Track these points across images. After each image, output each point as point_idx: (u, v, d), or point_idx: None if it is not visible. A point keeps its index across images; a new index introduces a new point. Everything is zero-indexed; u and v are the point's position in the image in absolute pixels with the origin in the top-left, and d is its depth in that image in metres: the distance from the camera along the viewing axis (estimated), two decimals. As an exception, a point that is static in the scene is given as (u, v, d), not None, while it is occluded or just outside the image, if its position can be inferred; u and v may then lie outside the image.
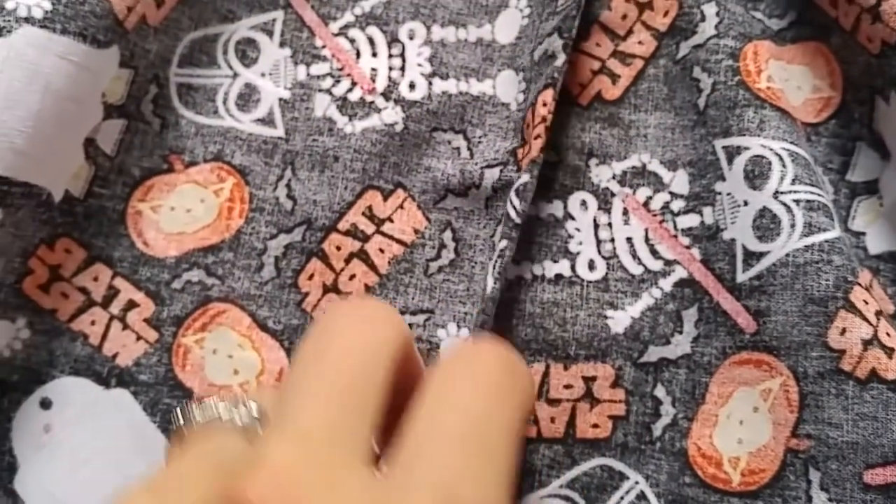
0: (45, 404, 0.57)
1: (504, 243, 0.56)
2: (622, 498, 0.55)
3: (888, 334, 0.53)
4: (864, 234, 0.59)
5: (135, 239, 0.60)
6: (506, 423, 0.40)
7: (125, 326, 0.59)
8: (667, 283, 0.57)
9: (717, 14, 0.59)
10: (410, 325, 0.58)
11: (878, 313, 0.53)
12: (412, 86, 0.61)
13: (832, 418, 0.52)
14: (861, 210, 0.59)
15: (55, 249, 0.59)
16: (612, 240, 0.58)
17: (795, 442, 0.52)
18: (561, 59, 0.57)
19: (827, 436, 0.52)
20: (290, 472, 0.37)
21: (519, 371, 0.43)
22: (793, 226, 0.54)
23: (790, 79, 0.60)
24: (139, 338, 0.58)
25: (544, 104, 0.57)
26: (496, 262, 0.56)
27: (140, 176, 0.60)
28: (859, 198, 0.59)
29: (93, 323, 0.59)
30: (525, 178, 0.56)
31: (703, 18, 0.60)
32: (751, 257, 0.55)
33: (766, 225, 0.55)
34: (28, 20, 0.54)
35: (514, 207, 0.56)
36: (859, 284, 0.53)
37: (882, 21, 0.56)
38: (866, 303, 0.53)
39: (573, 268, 0.58)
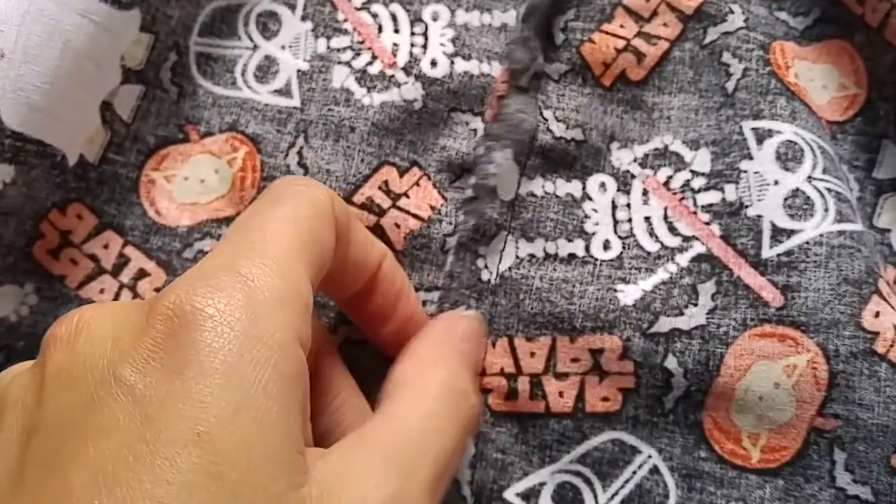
0: None
1: (461, 217, 0.55)
2: (634, 472, 0.53)
3: None
4: (889, 230, 0.57)
5: (147, 208, 0.57)
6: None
7: (135, 295, 0.56)
8: (683, 259, 0.54)
9: (744, 13, 0.58)
10: (424, 303, 0.55)
11: None
12: (433, 63, 0.58)
13: (863, 399, 0.50)
14: (887, 207, 0.57)
15: (67, 214, 0.56)
16: (630, 220, 0.56)
17: (822, 421, 0.50)
18: (514, 23, 0.58)
19: (857, 416, 0.50)
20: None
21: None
22: (826, 210, 0.52)
23: (815, 78, 0.58)
24: None
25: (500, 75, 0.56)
26: (454, 236, 0.55)
27: (155, 144, 0.58)
28: (885, 195, 0.58)
29: (102, 291, 0.56)
30: (479, 150, 0.56)
31: (731, 11, 0.58)
32: (780, 234, 0.53)
33: (800, 205, 0.53)
34: None
35: (470, 182, 0.56)
36: (883, 278, 0.52)
37: None
38: (890, 296, 0.52)
39: (587, 248, 0.56)
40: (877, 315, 0.51)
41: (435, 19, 0.59)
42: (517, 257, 0.55)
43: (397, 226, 0.56)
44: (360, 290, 0.48)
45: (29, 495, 0.35)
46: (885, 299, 0.51)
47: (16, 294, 0.55)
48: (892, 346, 0.50)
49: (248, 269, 0.38)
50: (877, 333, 0.50)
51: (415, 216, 0.56)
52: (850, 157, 0.58)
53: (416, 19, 0.59)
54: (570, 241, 0.56)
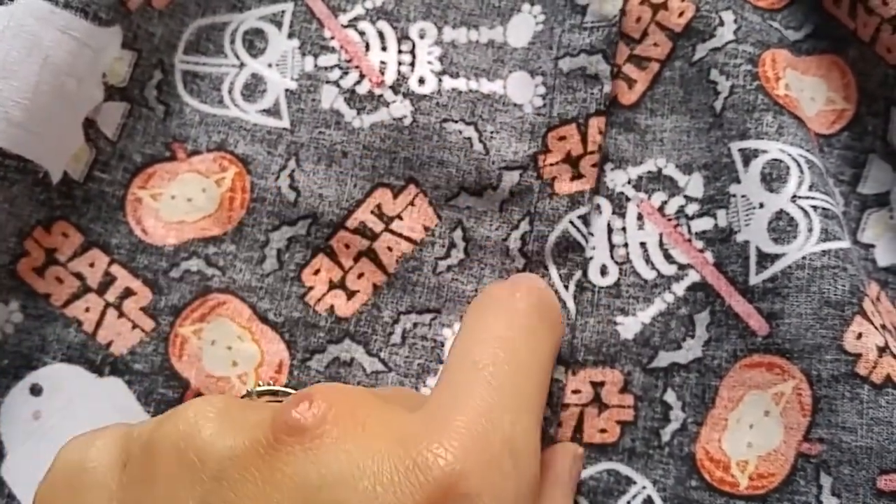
0: (36, 391, 0.52)
1: (576, 272, 0.53)
2: (629, 503, 0.50)
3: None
4: (873, 246, 0.54)
5: (133, 226, 0.54)
6: (536, 358, 0.39)
7: (121, 314, 0.53)
8: (680, 288, 0.52)
9: (735, 21, 0.55)
10: (416, 325, 0.54)
11: (883, 326, 0.49)
12: (421, 80, 0.56)
13: (846, 422, 0.47)
14: (871, 222, 0.55)
15: (52, 232, 0.53)
16: (626, 244, 0.54)
17: (807, 446, 0.48)
18: (608, 85, 0.54)
19: (840, 440, 0.47)
20: (336, 392, 0.36)
21: (549, 306, 0.45)
22: (810, 230, 0.50)
23: (804, 90, 0.56)
24: (135, 326, 0.53)
25: (600, 131, 0.53)
26: (450, 258, 0.53)
27: (141, 162, 0.55)
28: (869, 210, 0.55)
29: (87, 310, 0.53)
30: (586, 205, 0.53)
31: (721, 23, 0.55)
32: (765, 259, 0.50)
33: (783, 227, 0.50)
34: None
35: (579, 231, 0.53)
36: (868, 296, 0.49)
37: None
38: (874, 315, 0.49)
39: (584, 273, 0.53)
40: (859, 336, 0.48)
41: (422, 37, 0.57)
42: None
43: (390, 249, 0.54)
44: None
45: None
46: (868, 319, 0.48)
47: (0, 312, 0.52)
48: (874, 367, 0.47)
49: (514, 438, 0.35)
50: (859, 356, 0.48)
51: (407, 238, 0.54)
52: (836, 171, 0.55)
53: (403, 37, 0.57)
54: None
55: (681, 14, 0.56)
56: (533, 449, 0.35)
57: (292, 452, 0.33)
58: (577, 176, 0.54)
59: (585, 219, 0.53)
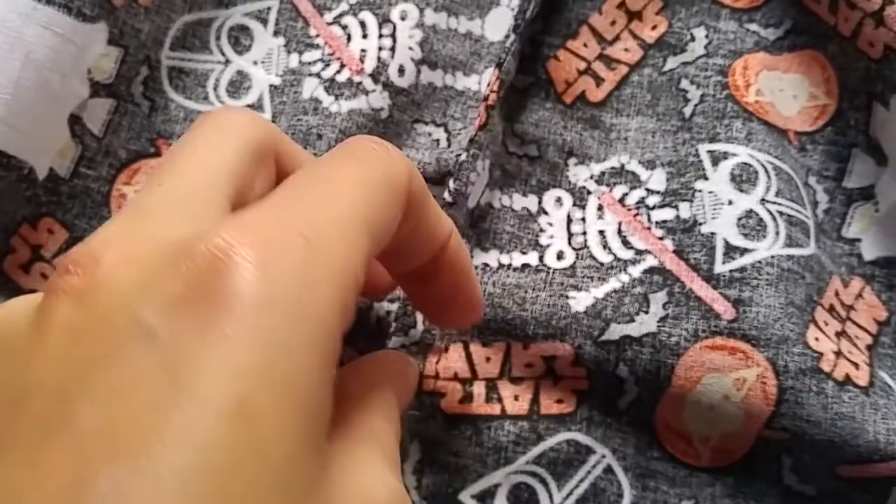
0: None
1: None
2: (589, 472, 0.49)
3: (850, 352, 0.49)
4: (859, 240, 0.54)
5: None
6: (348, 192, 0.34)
7: None
8: (636, 270, 0.51)
9: (707, 36, 0.55)
10: (388, 313, 0.51)
11: (839, 334, 0.49)
12: (401, 70, 0.54)
13: (811, 416, 0.46)
14: (857, 216, 0.54)
15: (38, 229, 0.52)
16: (584, 233, 0.52)
17: (769, 432, 0.47)
18: (510, 38, 0.53)
19: (804, 432, 0.47)
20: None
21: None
22: (777, 233, 0.49)
23: (785, 89, 0.55)
24: None
25: (489, 84, 0.51)
26: None
27: (126, 158, 0.54)
28: (855, 204, 0.54)
29: None
30: (462, 156, 0.51)
31: (692, 39, 0.55)
32: (733, 251, 0.49)
33: (753, 225, 0.50)
34: None
35: (450, 189, 0.50)
36: (821, 306, 0.49)
37: (885, 25, 0.51)
38: (826, 324, 0.49)
39: (541, 258, 0.52)
40: (816, 339, 0.48)
41: (403, 18, 0.55)
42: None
43: None
44: (423, 266, 0.41)
45: (25, 451, 0.27)
46: (820, 329, 0.48)
47: None
48: (835, 366, 0.47)
49: (309, 227, 0.30)
50: (821, 353, 0.47)
51: None
52: (820, 168, 0.54)
53: (384, 20, 0.55)
54: (524, 253, 0.52)
55: (654, 27, 0.56)
56: (344, 261, 0.30)
57: (57, 304, 0.29)
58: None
59: (470, 162, 0.51)
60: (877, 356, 0.50)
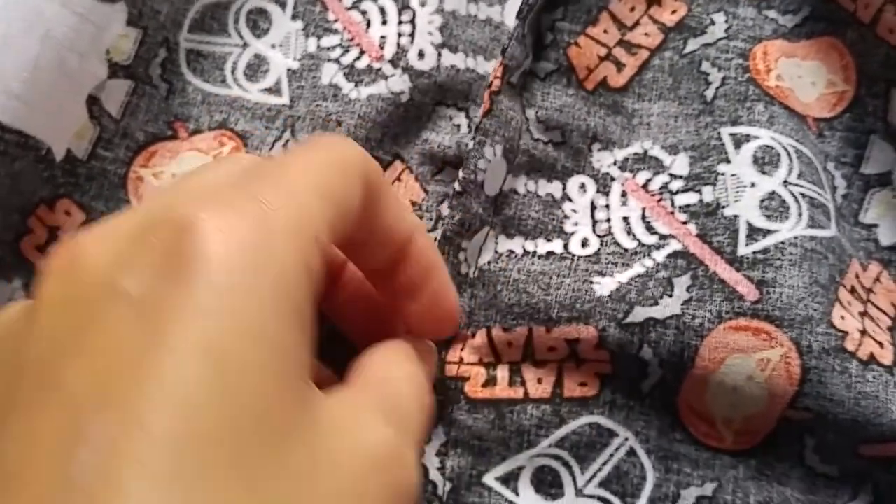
0: None
1: (446, 210, 0.51)
2: (612, 455, 0.49)
3: (874, 331, 0.48)
4: (876, 225, 0.53)
5: (134, 203, 0.53)
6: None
7: None
8: (660, 255, 0.50)
9: (726, 21, 0.55)
10: None
11: (863, 314, 0.49)
12: (421, 54, 0.54)
13: (834, 395, 0.46)
14: (874, 202, 0.54)
15: (55, 210, 0.51)
16: (609, 220, 0.52)
17: (793, 412, 0.47)
18: (513, 22, 0.53)
19: (827, 411, 0.46)
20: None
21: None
22: (800, 214, 0.49)
23: (803, 76, 0.55)
24: None
25: (493, 71, 0.52)
26: (437, 230, 0.51)
27: (144, 140, 0.53)
28: (872, 190, 0.54)
29: None
30: (469, 144, 0.51)
31: (712, 23, 0.55)
32: (756, 233, 0.49)
33: (776, 207, 0.49)
34: None
35: (460, 180, 0.50)
36: (843, 286, 0.49)
37: None
38: (850, 303, 0.49)
39: (566, 246, 0.51)
40: (842, 318, 0.47)
41: (423, 4, 0.55)
42: (496, 252, 0.52)
43: None
44: (389, 262, 0.42)
45: (24, 414, 0.30)
46: (845, 307, 0.48)
47: (4, 289, 0.51)
48: (860, 345, 0.47)
49: (263, 193, 0.33)
50: (846, 332, 0.47)
51: None
52: (838, 154, 0.54)
53: (404, 7, 0.55)
54: (549, 240, 0.52)
55: (673, 12, 0.56)
56: (302, 227, 0.33)
57: (46, 284, 0.32)
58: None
59: (477, 149, 0.51)
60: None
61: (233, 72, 0.55)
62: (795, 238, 0.48)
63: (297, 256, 0.32)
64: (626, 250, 0.51)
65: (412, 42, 0.54)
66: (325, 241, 0.35)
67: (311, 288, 0.33)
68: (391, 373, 0.40)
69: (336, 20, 0.56)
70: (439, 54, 0.54)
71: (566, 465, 0.49)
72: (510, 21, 0.56)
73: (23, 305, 0.34)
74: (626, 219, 0.52)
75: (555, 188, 0.53)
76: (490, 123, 0.51)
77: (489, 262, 0.52)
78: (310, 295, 0.33)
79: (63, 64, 0.49)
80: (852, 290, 0.50)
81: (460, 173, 0.50)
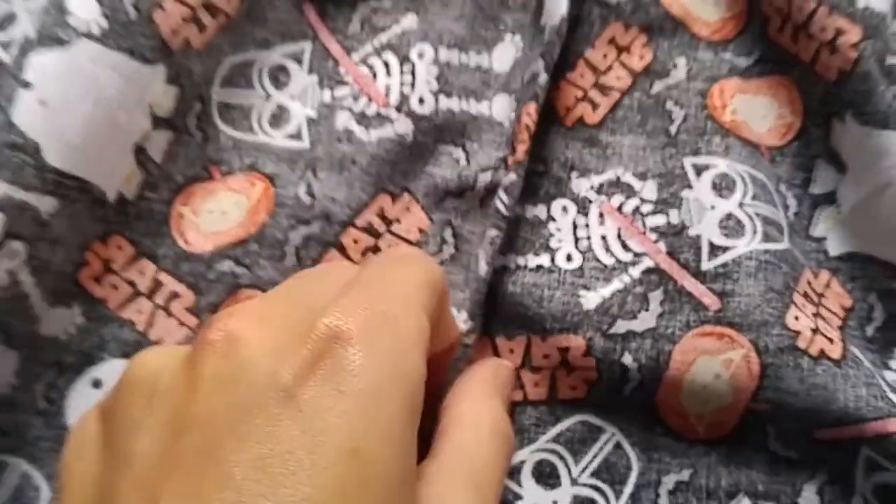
0: (97, 384, 0.54)
1: (494, 233, 0.53)
2: (601, 448, 0.53)
3: (826, 329, 0.52)
4: (824, 238, 0.57)
5: (177, 238, 0.56)
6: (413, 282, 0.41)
7: (169, 314, 0.55)
8: (636, 271, 0.54)
9: (687, 64, 0.59)
10: None
11: (815, 315, 0.53)
12: (421, 100, 0.58)
13: (790, 388, 0.50)
14: (822, 218, 0.57)
15: (108, 245, 0.55)
16: (589, 237, 0.55)
17: (755, 405, 0.51)
18: (543, 77, 0.56)
19: (784, 402, 0.50)
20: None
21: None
22: (755, 231, 0.53)
23: (756, 109, 0.59)
24: (181, 324, 0.55)
25: (528, 115, 0.55)
26: (487, 249, 0.53)
27: (183, 182, 0.57)
28: (820, 207, 0.58)
29: (139, 312, 0.55)
30: (512, 177, 0.54)
31: (675, 66, 0.59)
32: (716, 249, 0.53)
33: (732, 226, 0.54)
34: (87, 35, 0.52)
35: (503, 202, 0.54)
36: (797, 291, 0.53)
37: (839, 52, 0.55)
38: (804, 306, 0.53)
39: (552, 259, 0.55)
40: (796, 319, 0.51)
41: (421, 57, 0.59)
42: (493, 267, 0.55)
43: (390, 247, 0.56)
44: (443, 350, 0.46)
45: (186, 477, 0.33)
46: (799, 309, 0.52)
47: (65, 315, 0.54)
48: (811, 342, 0.51)
49: (391, 310, 0.37)
50: (798, 332, 0.51)
51: (405, 240, 0.56)
52: (789, 177, 0.58)
53: (404, 59, 0.59)
54: (536, 255, 0.55)
55: (641, 58, 0.59)
56: (417, 335, 0.37)
57: (207, 357, 0.35)
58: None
59: (510, 189, 0.54)
60: (847, 336, 0.53)
61: (259, 120, 0.58)
62: (751, 252, 0.52)
63: (419, 364, 0.36)
64: (605, 266, 0.54)
65: (413, 90, 0.58)
66: (427, 344, 0.38)
67: (423, 391, 0.37)
68: (476, 424, 0.43)
69: (346, 73, 0.59)
70: (436, 99, 0.58)
71: (562, 458, 0.52)
72: (497, 67, 0.59)
73: (177, 360, 0.36)
74: (604, 237, 0.55)
75: (540, 210, 0.56)
76: (526, 159, 0.55)
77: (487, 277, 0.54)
78: (422, 398, 0.37)
79: (113, 119, 0.52)
80: (805, 295, 0.53)
81: (506, 200, 0.53)
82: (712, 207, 0.54)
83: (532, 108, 0.55)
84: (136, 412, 0.35)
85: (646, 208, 0.55)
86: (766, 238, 0.53)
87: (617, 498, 0.52)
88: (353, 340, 0.34)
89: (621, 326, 0.52)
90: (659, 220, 0.55)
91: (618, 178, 0.57)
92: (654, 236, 0.54)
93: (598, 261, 0.54)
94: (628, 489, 0.52)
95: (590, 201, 0.56)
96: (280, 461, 0.32)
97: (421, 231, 0.56)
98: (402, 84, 0.58)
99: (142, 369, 0.37)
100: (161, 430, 0.34)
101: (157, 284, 0.55)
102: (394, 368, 0.35)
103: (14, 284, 0.51)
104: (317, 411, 0.33)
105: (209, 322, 0.36)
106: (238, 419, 0.33)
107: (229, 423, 0.33)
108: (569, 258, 0.55)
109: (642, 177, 0.56)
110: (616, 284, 0.54)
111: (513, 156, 0.55)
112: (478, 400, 0.45)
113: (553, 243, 0.55)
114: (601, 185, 0.57)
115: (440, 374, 0.47)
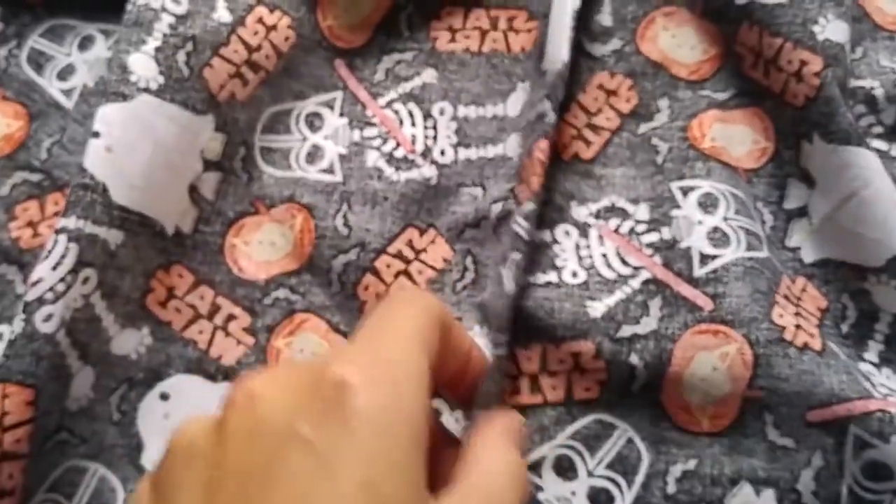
0: (164, 397, 0.56)
1: (517, 255, 0.55)
2: (615, 443, 0.55)
3: (806, 326, 0.55)
4: (799, 248, 0.60)
5: (231, 266, 0.59)
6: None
7: (227, 334, 0.58)
8: (636, 283, 0.57)
9: (669, 106, 0.62)
10: None
11: (797, 314, 0.55)
12: (442, 152, 0.61)
13: (781, 374, 0.52)
14: (795, 230, 0.60)
15: (170, 273, 0.58)
16: (591, 256, 0.58)
17: (750, 392, 0.53)
18: (551, 116, 0.58)
19: (777, 387, 0.52)
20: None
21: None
22: (738, 242, 0.56)
23: (733, 136, 0.61)
24: (239, 343, 0.58)
25: (541, 151, 0.57)
26: (512, 269, 0.55)
27: (233, 217, 0.60)
28: (793, 221, 0.60)
29: (201, 332, 0.58)
30: (530, 206, 0.56)
31: (658, 110, 0.62)
32: (706, 259, 0.56)
33: (719, 238, 0.56)
34: (146, 90, 0.56)
35: (523, 228, 0.56)
36: (778, 294, 0.55)
37: (804, 81, 0.58)
38: (785, 307, 0.55)
39: (559, 276, 0.57)
40: (780, 316, 0.54)
41: (442, 114, 0.62)
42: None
43: (420, 272, 0.59)
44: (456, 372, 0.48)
45: None
46: (782, 308, 0.54)
47: (135, 336, 0.57)
48: (795, 335, 0.53)
49: (391, 355, 0.39)
50: (784, 327, 0.53)
51: (431, 267, 0.59)
52: (765, 195, 0.61)
53: (427, 115, 0.62)
54: (545, 273, 0.57)
55: (627, 100, 0.63)
56: (416, 374, 0.39)
57: (232, 415, 0.37)
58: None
59: (529, 216, 0.56)
60: (825, 334, 0.55)
61: (296, 159, 0.61)
62: (737, 259, 0.54)
63: (418, 399, 0.38)
64: (608, 280, 0.56)
65: (435, 142, 0.61)
66: (430, 380, 0.40)
67: (427, 424, 0.38)
68: (493, 467, 0.43)
69: (373, 116, 0.62)
70: (456, 151, 0.61)
71: (578, 453, 0.54)
72: (510, 112, 0.63)
73: (209, 424, 0.38)
74: (604, 255, 0.57)
75: (545, 234, 0.58)
76: (541, 190, 0.57)
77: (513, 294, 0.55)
78: (427, 430, 0.38)
79: (170, 162, 0.56)
80: (786, 297, 0.55)
81: (524, 225, 0.56)
82: (700, 223, 0.56)
83: (544, 145, 0.57)
84: (178, 475, 0.38)
85: (640, 228, 0.58)
86: (749, 247, 0.55)
87: (629, 487, 0.54)
88: (358, 387, 0.36)
89: (626, 330, 0.55)
90: (653, 237, 0.57)
91: (613, 205, 0.59)
92: (649, 251, 0.57)
93: (600, 276, 0.57)
94: (639, 479, 0.54)
95: (589, 226, 0.58)
96: (304, 499, 0.34)
97: (445, 261, 0.59)
98: (425, 137, 0.61)
99: (181, 437, 0.38)
100: (200, 487, 0.36)
101: (215, 308, 0.58)
102: (397, 407, 0.37)
103: (88, 307, 0.53)
104: (331, 451, 0.35)
105: (233, 386, 0.38)
106: (265, 467, 0.35)
107: (257, 471, 0.35)
108: (574, 274, 0.57)
109: (635, 202, 0.59)
110: (619, 295, 0.56)
111: (521, 185, 0.57)
112: (497, 446, 0.45)
113: (559, 262, 0.57)
114: (598, 211, 0.59)
115: (467, 385, 0.48)
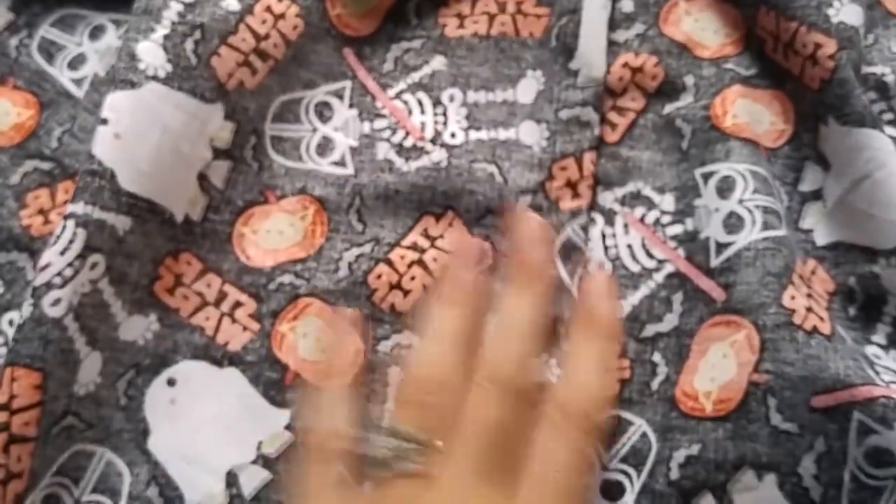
0: (171, 383, 0.57)
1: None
2: (630, 438, 0.54)
3: (817, 309, 0.54)
4: (812, 230, 0.59)
5: (239, 254, 0.59)
6: None
7: (234, 321, 0.58)
8: (660, 276, 0.57)
9: (695, 84, 0.61)
10: None
11: (808, 295, 0.54)
12: (453, 135, 0.61)
13: (787, 358, 0.51)
14: (809, 212, 0.59)
15: (178, 261, 0.58)
16: (616, 246, 0.58)
17: (756, 376, 0.52)
18: (597, 129, 0.60)
19: (782, 371, 0.51)
20: None
21: None
22: (753, 223, 0.55)
23: (754, 113, 0.60)
24: (245, 329, 0.57)
25: (592, 162, 0.59)
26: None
27: (243, 205, 0.60)
28: (808, 203, 0.59)
29: (207, 319, 0.58)
30: (584, 218, 0.59)
31: (683, 87, 0.61)
32: (721, 247, 0.55)
33: (733, 223, 0.55)
34: (154, 78, 0.56)
35: (578, 237, 0.58)
36: (795, 272, 0.54)
37: (819, 64, 0.58)
38: (800, 286, 0.54)
39: (585, 267, 0.57)
40: (792, 298, 0.53)
41: (451, 100, 0.62)
42: None
43: (435, 260, 0.58)
44: None
45: None
46: (797, 289, 0.53)
47: (142, 322, 0.57)
48: (805, 319, 0.52)
49: None
50: (793, 310, 0.52)
51: (447, 253, 0.58)
52: (781, 176, 0.60)
53: (436, 102, 0.62)
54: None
55: (653, 77, 0.62)
56: None
57: None
58: (575, 196, 0.58)
59: (585, 228, 0.58)
60: (833, 317, 0.54)
61: (307, 150, 0.61)
62: (749, 244, 0.54)
63: None
64: (633, 273, 0.57)
65: (445, 127, 0.61)
66: None
67: None
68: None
69: (383, 107, 0.62)
70: (466, 133, 0.60)
71: (595, 449, 0.53)
72: (522, 98, 0.62)
73: None
74: (629, 246, 0.57)
75: None
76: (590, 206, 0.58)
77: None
78: None
79: (178, 150, 0.56)
80: (800, 277, 0.54)
81: (582, 234, 0.58)
82: (717, 210, 0.56)
83: (594, 156, 0.58)
84: None
85: (665, 219, 0.58)
86: (766, 226, 0.54)
87: (639, 477, 0.53)
88: None
89: (650, 330, 0.55)
90: (677, 229, 0.57)
91: (638, 191, 0.59)
92: (673, 244, 0.57)
93: (626, 269, 0.57)
94: (647, 468, 0.53)
95: (615, 212, 0.59)
96: None
97: None
98: (435, 122, 0.61)
99: None
100: None
101: (222, 295, 0.58)
102: None
103: (96, 292, 0.54)
104: None
105: None
106: None
107: None
108: (601, 266, 0.57)
109: (660, 190, 0.59)
110: (643, 291, 0.56)
111: (557, 184, 0.59)
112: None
113: (585, 252, 0.58)
114: (624, 197, 0.59)
115: None
